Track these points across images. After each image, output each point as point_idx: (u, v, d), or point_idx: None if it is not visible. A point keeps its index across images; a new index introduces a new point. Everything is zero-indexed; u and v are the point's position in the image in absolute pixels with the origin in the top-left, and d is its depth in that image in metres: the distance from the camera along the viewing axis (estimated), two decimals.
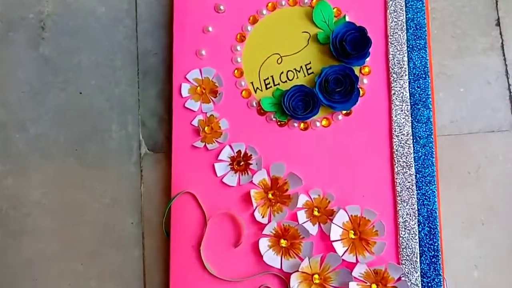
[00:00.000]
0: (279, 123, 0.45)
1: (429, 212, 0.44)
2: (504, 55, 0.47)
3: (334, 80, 0.44)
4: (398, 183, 0.44)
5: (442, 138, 0.47)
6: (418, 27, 0.45)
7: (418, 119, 0.44)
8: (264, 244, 0.44)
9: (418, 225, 0.44)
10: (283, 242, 0.44)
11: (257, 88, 0.46)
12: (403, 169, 0.44)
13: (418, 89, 0.45)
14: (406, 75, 0.45)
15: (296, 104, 0.45)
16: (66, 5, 0.50)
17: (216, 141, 0.45)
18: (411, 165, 0.44)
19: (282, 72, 0.46)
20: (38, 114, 0.49)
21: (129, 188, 0.48)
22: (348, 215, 0.43)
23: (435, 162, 0.44)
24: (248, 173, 0.45)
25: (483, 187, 0.46)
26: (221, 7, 0.46)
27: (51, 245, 0.47)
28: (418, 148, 0.44)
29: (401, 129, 0.44)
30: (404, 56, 0.45)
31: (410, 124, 0.44)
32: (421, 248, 0.43)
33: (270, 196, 0.44)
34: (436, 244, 0.43)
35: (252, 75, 0.46)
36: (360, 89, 0.45)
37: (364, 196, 0.44)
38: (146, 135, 0.48)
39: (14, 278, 0.46)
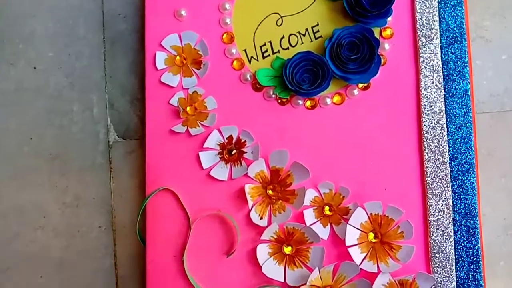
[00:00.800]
0: (279, 100, 0.42)
1: (467, 208, 0.40)
2: None
3: (348, 45, 0.40)
4: (428, 173, 0.40)
5: (480, 116, 0.43)
6: None
7: (453, 93, 0.41)
8: (263, 251, 0.40)
9: (454, 225, 0.40)
10: (287, 249, 0.40)
11: (252, 57, 0.42)
12: (434, 156, 0.40)
13: (453, 55, 0.41)
14: (437, 38, 0.41)
15: (301, 77, 0.41)
16: None
17: (201, 124, 0.41)
18: (444, 151, 0.41)
19: (283, 37, 0.42)
20: None
21: (96, 184, 0.44)
22: (367, 214, 0.40)
23: (474, 146, 0.41)
24: (241, 164, 0.41)
25: None
26: None
27: (4, 255, 0.44)
28: (453, 129, 0.41)
29: (431, 106, 0.41)
30: (435, 14, 0.41)
31: (442, 100, 0.41)
32: (457, 253, 0.40)
33: (269, 192, 0.41)
34: (475, 247, 0.40)
35: (245, 40, 0.42)
36: (381, 56, 0.41)
37: (387, 189, 0.41)
38: (115, 118, 0.45)
39: None
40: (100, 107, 0.45)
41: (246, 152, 0.41)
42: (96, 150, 0.44)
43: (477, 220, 0.40)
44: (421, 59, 0.41)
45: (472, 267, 0.40)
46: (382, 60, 0.41)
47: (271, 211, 0.40)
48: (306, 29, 0.42)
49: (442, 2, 0.41)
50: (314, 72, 0.41)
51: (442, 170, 0.40)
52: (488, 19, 0.44)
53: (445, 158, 0.40)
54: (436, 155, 0.40)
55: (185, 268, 0.40)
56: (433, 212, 0.40)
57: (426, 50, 0.41)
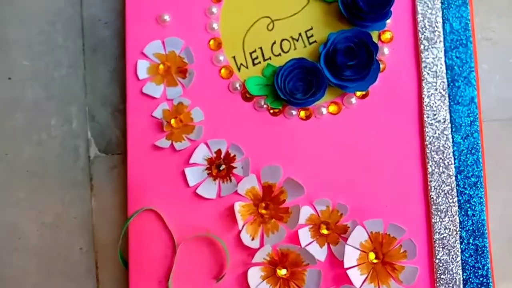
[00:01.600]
0: (271, 111, 0.40)
1: (475, 225, 0.39)
2: None
3: (344, 50, 0.39)
4: (432, 188, 0.39)
5: (488, 124, 0.41)
6: None
7: (458, 100, 0.39)
8: (255, 275, 0.38)
9: (461, 243, 0.38)
10: (280, 272, 0.38)
11: (241, 64, 0.41)
12: (439, 169, 0.39)
13: (457, 59, 0.40)
14: (440, 41, 0.40)
15: (294, 85, 0.39)
16: None
17: (187, 138, 0.40)
18: (450, 163, 0.39)
19: (275, 42, 0.40)
20: None
21: (76, 202, 0.42)
22: (367, 232, 0.38)
23: (481, 157, 0.39)
24: (231, 181, 0.39)
25: None
26: None
27: None
28: (458, 140, 0.39)
29: (435, 115, 0.39)
30: (438, 15, 0.40)
31: (447, 108, 0.39)
32: (465, 274, 0.38)
33: (262, 210, 0.39)
34: (485, 267, 0.38)
35: (234, 47, 0.41)
36: (380, 61, 0.39)
37: (388, 206, 0.39)
38: (96, 132, 0.43)
39: None
40: (80, 120, 0.43)
41: (236, 168, 0.39)
42: (76, 166, 0.42)
43: (486, 238, 0.38)
44: (424, 64, 0.39)
45: None
46: (381, 66, 0.39)
47: (264, 230, 0.38)
48: (299, 34, 0.40)
49: (446, 2, 0.39)
50: (308, 80, 0.39)
51: (447, 184, 0.38)
52: (494, 20, 0.42)
53: (450, 171, 0.38)
54: (441, 168, 0.39)
55: None
56: (438, 229, 0.38)
57: (428, 55, 0.39)
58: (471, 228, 0.38)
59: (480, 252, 0.38)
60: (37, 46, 0.43)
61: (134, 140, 0.40)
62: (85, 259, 0.42)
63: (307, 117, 0.39)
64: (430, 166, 0.38)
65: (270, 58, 0.40)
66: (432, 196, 0.38)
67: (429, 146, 0.38)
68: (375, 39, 0.39)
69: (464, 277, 0.38)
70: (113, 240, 0.41)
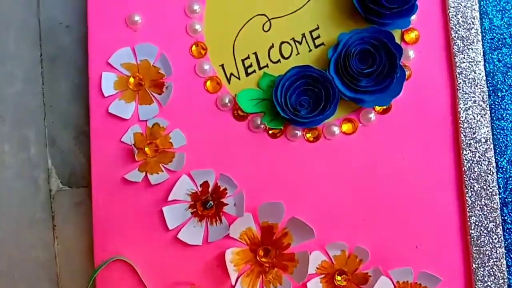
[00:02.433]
0: (270, 132, 0.37)
1: None
2: None
3: (360, 54, 0.36)
4: (472, 225, 0.35)
5: None
6: None
7: (502, 115, 0.37)
8: None
9: None
10: None
11: (232, 74, 0.38)
12: (480, 200, 0.36)
13: (500, 64, 0.37)
14: (478, 41, 0.37)
15: (298, 99, 0.37)
16: None
17: (165, 168, 0.37)
18: (493, 193, 0.36)
19: (272, 46, 0.38)
20: None
21: (36, 245, 0.39)
22: (393, 283, 0.34)
23: None
24: (221, 221, 0.36)
25: None
26: None
27: None
28: (503, 164, 0.36)
29: (474, 133, 0.36)
30: (474, 9, 0.37)
31: (489, 125, 0.37)
32: None
33: (261, 257, 0.36)
34: None
35: (222, 53, 0.38)
36: (404, 68, 0.36)
37: (418, 248, 0.35)
38: (58, 159, 0.40)
39: None
40: (39, 146, 0.39)
41: (227, 204, 0.36)
42: (36, 202, 0.39)
43: None
44: (458, 70, 0.36)
45: None
46: (406, 73, 0.36)
47: (263, 283, 0.34)
48: (303, 35, 0.37)
49: None
50: (315, 93, 0.36)
51: (490, 220, 0.35)
52: None
53: (494, 204, 0.35)
54: (483, 200, 0.35)
55: None
56: (481, 277, 0.34)
57: (464, 58, 0.36)
58: None
59: None
60: None
61: (99, 172, 0.36)
62: None
63: (315, 139, 0.37)
64: (469, 197, 0.35)
65: (267, 65, 0.37)
66: (472, 235, 0.35)
67: (467, 172, 0.35)
68: (397, 39, 0.36)
69: None
70: None
